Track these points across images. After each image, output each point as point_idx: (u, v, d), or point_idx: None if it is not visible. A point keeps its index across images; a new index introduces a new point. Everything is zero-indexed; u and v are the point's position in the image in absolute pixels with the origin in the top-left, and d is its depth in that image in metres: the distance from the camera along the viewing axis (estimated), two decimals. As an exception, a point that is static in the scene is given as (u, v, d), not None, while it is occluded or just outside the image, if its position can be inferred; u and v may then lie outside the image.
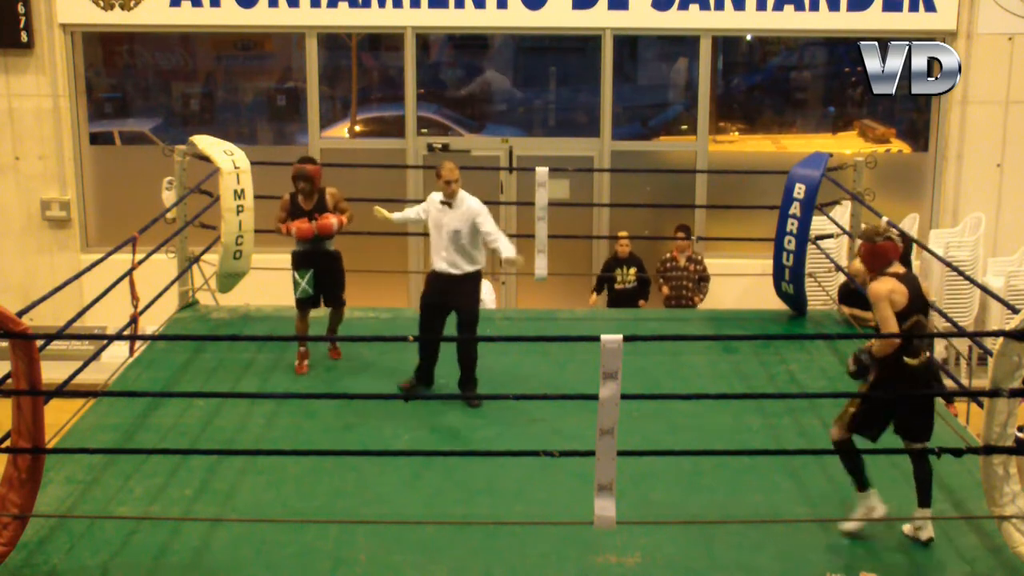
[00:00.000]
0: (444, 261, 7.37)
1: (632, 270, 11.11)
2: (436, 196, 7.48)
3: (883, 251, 5.61)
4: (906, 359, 5.51)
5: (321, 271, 7.87)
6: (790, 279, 8.83)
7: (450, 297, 7.40)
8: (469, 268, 7.40)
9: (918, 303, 5.57)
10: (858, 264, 9.13)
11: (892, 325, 5.46)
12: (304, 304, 7.91)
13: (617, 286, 11.13)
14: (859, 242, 5.87)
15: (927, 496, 5.68)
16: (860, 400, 5.66)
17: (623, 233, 11.20)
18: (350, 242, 8.49)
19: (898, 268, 5.63)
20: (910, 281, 5.58)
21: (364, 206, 10.59)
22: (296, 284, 7.87)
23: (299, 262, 7.90)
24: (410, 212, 7.85)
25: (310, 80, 12.29)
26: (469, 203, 7.39)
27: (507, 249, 7.30)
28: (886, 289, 5.50)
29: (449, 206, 7.37)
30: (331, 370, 7.88)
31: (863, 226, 9.39)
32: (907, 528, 5.78)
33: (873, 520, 5.77)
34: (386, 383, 7.61)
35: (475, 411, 7.20)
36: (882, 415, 5.67)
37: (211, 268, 8.87)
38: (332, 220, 7.76)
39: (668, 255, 11.14)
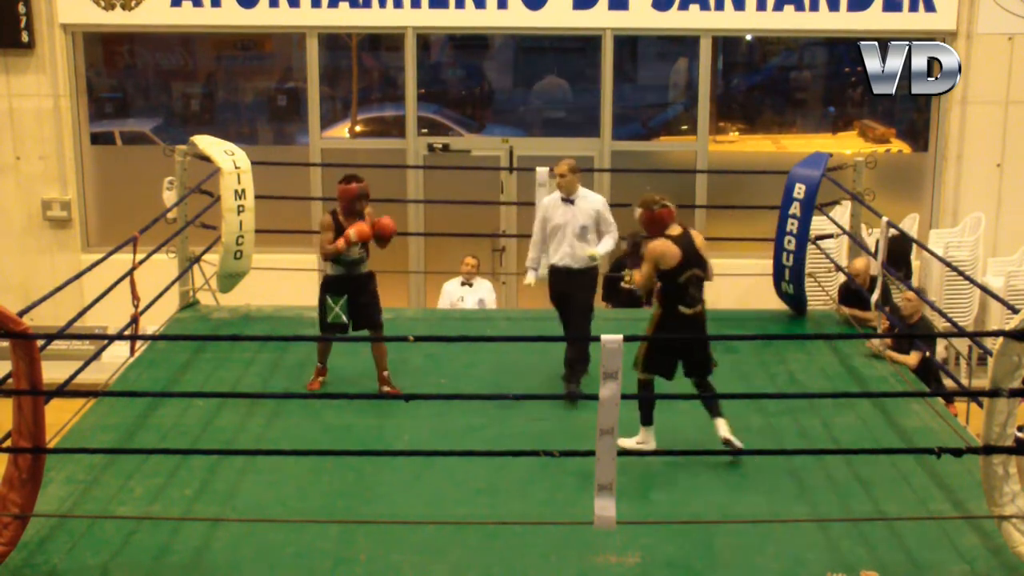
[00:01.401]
0: (568, 257, 7.44)
1: (636, 271, 11.12)
2: (553, 197, 7.53)
3: (660, 217, 6.43)
4: (681, 308, 6.42)
5: (356, 296, 7.40)
6: (790, 279, 8.83)
7: (570, 288, 7.48)
8: (591, 262, 7.51)
9: (692, 259, 6.43)
10: (858, 264, 9.16)
11: (650, 278, 6.42)
12: (333, 329, 7.38)
13: (624, 284, 11.13)
14: (638, 211, 6.49)
15: (717, 408, 6.52)
16: (647, 345, 6.48)
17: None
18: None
19: (674, 230, 6.45)
20: (684, 241, 6.43)
21: (364, 206, 10.63)
22: (328, 309, 7.34)
23: (333, 287, 7.37)
24: (534, 258, 7.72)
25: (310, 80, 12.29)
26: (592, 198, 7.49)
27: (604, 247, 7.49)
28: (658, 252, 6.39)
29: (572, 203, 7.43)
30: (331, 371, 7.88)
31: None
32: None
33: (645, 452, 6.41)
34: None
35: (476, 411, 7.18)
36: (668, 358, 6.54)
37: (212, 268, 8.88)
38: (388, 220, 7.37)
39: None
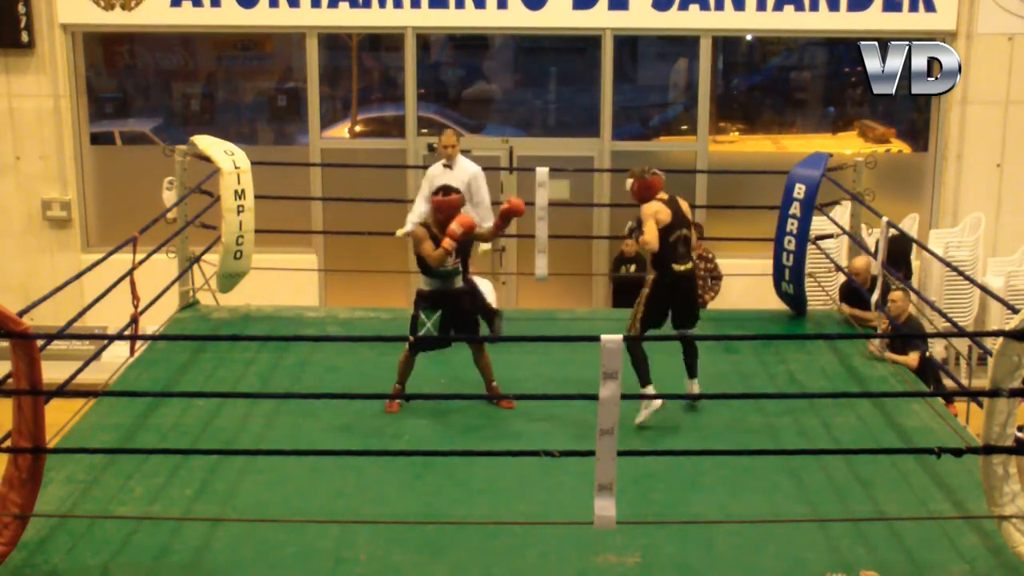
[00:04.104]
0: None
1: (632, 267, 11.24)
2: (438, 164, 8.48)
3: (651, 184, 7.01)
4: (674, 266, 6.98)
5: (454, 311, 7.10)
6: (790, 279, 8.83)
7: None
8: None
9: (680, 220, 7.03)
10: (858, 263, 9.16)
11: (653, 234, 6.85)
12: (422, 347, 7.15)
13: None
14: (629, 181, 7.05)
15: (695, 369, 7.20)
16: (644, 305, 7.03)
17: None
18: (351, 241, 8.51)
19: (663, 196, 7.03)
20: (672, 203, 7.04)
21: (365, 206, 10.64)
22: (421, 324, 7.02)
23: (428, 302, 7.08)
24: (414, 217, 8.56)
25: (310, 80, 12.29)
26: (467, 166, 8.36)
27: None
28: (653, 210, 6.93)
29: (450, 168, 8.37)
30: (331, 371, 7.89)
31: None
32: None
33: (654, 409, 6.89)
34: (386, 383, 7.61)
35: (476, 411, 7.18)
36: (662, 309, 7.06)
37: (211, 268, 8.88)
38: (517, 200, 7.14)
39: None
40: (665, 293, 7.03)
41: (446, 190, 7.09)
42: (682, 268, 7.01)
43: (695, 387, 7.19)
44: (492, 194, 11.92)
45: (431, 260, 7.01)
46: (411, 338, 7.04)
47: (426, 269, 7.10)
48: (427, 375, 7.83)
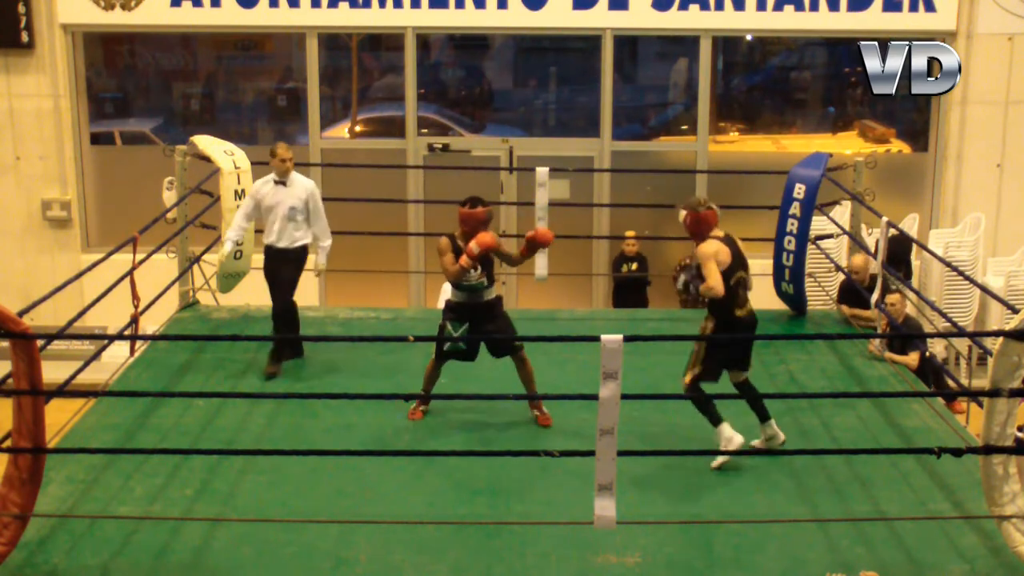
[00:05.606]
0: (275, 234, 7.78)
1: (634, 265, 11.31)
2: (266, 180, 7.78)
3: (706, 219, 6.34)
4: (736, 311, 6.34)
5: (482, 323, 6.92)
6: (790, 279, 8.83)
7: (277, 265, 7.83)
8: (300, 243, 7.86)
9: (739, 260, 6.36)
10: (857, 260, 9.16)
11: (717, 278, 6.18)
12: (450, 357, 7.01)
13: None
14: (682, 212, 6.41)
15: (765, 411, 6.51)
16: (704, 358, 6.37)
17: (630, 233, 11.34)
18: (351, 241, 8.51)
19: (719, 232, 6.37)
20: (731, 242, 6.37)
21: (365, 206, 10.64)
22: (448, 335, 6.92)
23: (455, 313, 6.95)
24: (235, 232, 7.98)
25: (310, 80, 12.30)
26: (303, 182, 7.82)
27: (322, 254, 7.98)
28: (712, 250, 6.26)
29: (283, 184, 7.74)
30: (331, 371, 7.89)
31: (861, 226, 9.41)
32: (758, 442, 6.54)
33: (731, 452, 6.31)
34: (386, 383, 7.61)
35: (476, 410, 7.18)
36: (722, 362, 6.44)
37: (211, 268, 8.88)
38: (546, 229, 6.98)
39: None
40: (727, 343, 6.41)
41: (473, 201, 6.85)
42: (743, 313, 6.39)
43: (773, 435, 6.54)
44: (492, 194, 12.03)
45: (448, 274, 6.91)
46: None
47: (458, 277, 6.93)
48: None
